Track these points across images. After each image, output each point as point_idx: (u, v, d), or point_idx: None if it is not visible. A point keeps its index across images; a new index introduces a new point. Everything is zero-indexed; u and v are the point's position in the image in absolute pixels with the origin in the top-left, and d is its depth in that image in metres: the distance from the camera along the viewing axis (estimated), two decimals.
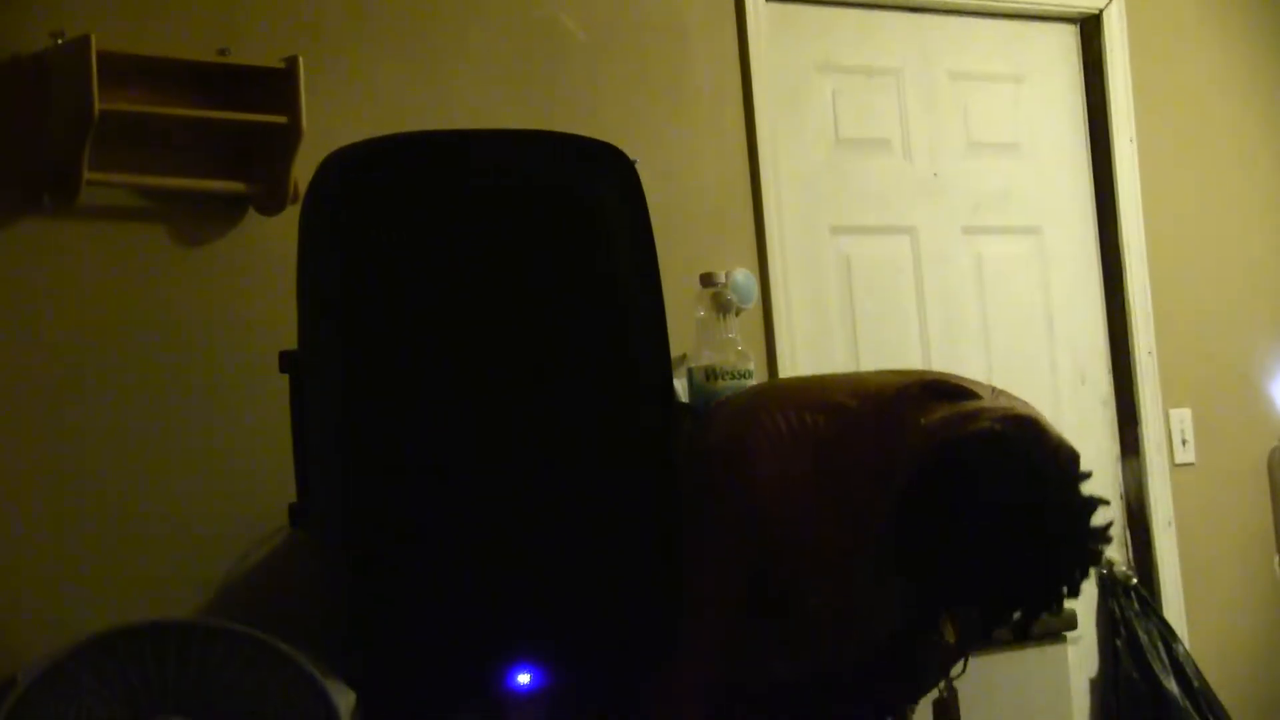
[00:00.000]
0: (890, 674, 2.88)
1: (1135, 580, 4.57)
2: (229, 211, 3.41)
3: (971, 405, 2.58)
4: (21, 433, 3.19)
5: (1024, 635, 2.52)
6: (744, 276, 3.87)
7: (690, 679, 2.71)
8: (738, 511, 2.68)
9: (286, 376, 2.85)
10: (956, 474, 2.46)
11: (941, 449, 2.48)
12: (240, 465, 3.32)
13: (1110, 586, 4.56)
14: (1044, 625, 3.73)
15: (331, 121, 3.40)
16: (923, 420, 2.54)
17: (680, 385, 3.49)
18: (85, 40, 3.12)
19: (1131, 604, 4.53)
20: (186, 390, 3.32)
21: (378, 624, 2.57)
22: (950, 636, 2.77)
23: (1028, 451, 2.48)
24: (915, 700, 2.94)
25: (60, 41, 3.19)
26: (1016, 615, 2.48)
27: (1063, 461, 2.49)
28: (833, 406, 2.69)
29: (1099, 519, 2.48)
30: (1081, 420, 4.65)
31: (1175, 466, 4.73)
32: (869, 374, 2.89)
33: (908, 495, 2.48)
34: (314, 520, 2.80)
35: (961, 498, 2.44)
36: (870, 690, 2.90)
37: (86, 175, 3.16)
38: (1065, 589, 2.46)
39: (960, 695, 3.60)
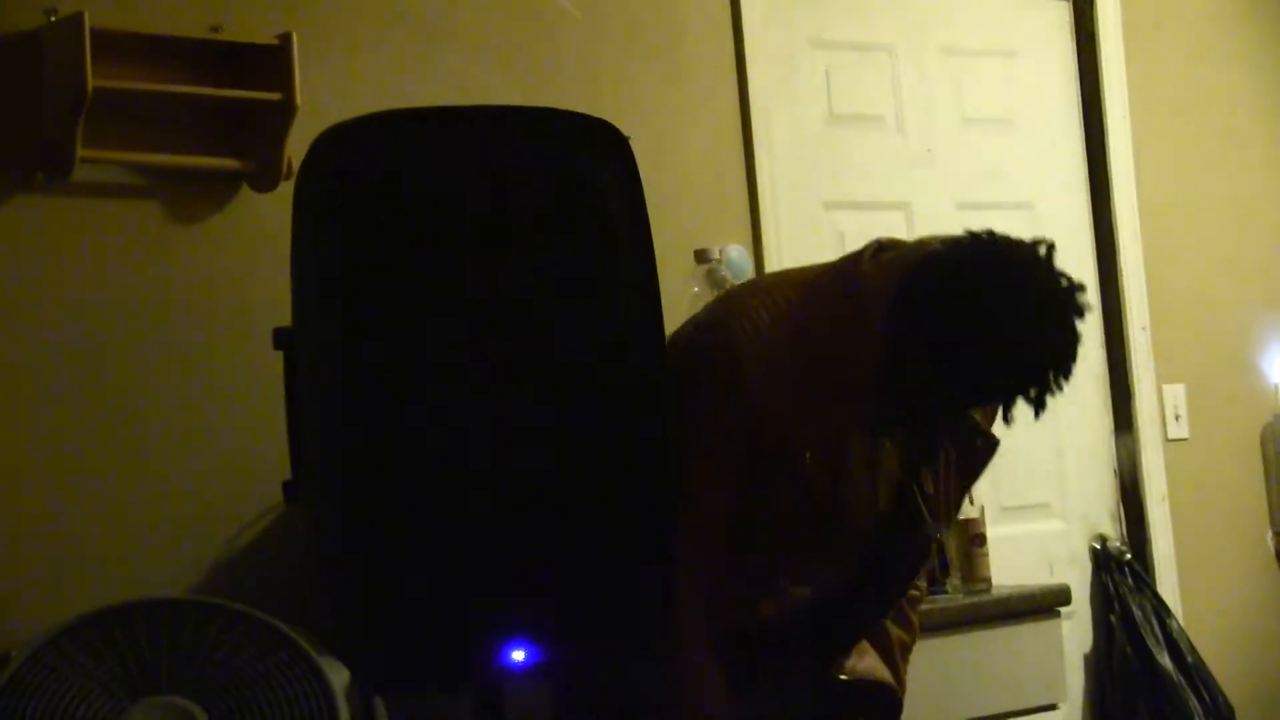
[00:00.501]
0: (874, 585, 2.90)
1: (1129, 555, 4.58)
2: (222, 188, 3.40)
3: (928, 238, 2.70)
4: (14, 410, 3.18)
5: (1040, 410, 2.59)
6: (738, 252, 3.87)
7: (686, 592, 2.72)
8: (731, 410, 2.73)
9: (281, 353, 2.85)
10: (943, 274, 2.57)
11: (921, 261, 2.59)
12: (235, 442, 3.32)
13: (1104, 562, 4.57)
14: (1035, 600, 3.81)
15: (325, 98, 3.39)
16: (885, 257, 2.67)
17: None
18: (78, 18, 3.11)
19: (1125, 579, 4.54)
20: (180, 367, 3.31)
21: (372, 602, 2.57)
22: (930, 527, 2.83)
23: (1004, 244, 2.59)
24: (886, 614, 2.96)
25: (53, 19, 3.18)
26: (1031, 395, 2.56)
27: (1039, 247, 2.59)
28: (802, 282, 2.81)
29: (1082, 296, 2.58)
30: (1075, 395, 4.64)
31: (1169, 442, 4.74)
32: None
33: (897, 311, 2.57)
34: (308, 497, 2.80)
35: (951, 293, 2.54)
36: (853, 609, 2.91)
37: (80, 152, 3.15)
38: (1067, 364, 2.55)
39: (955, 671, 3.63)
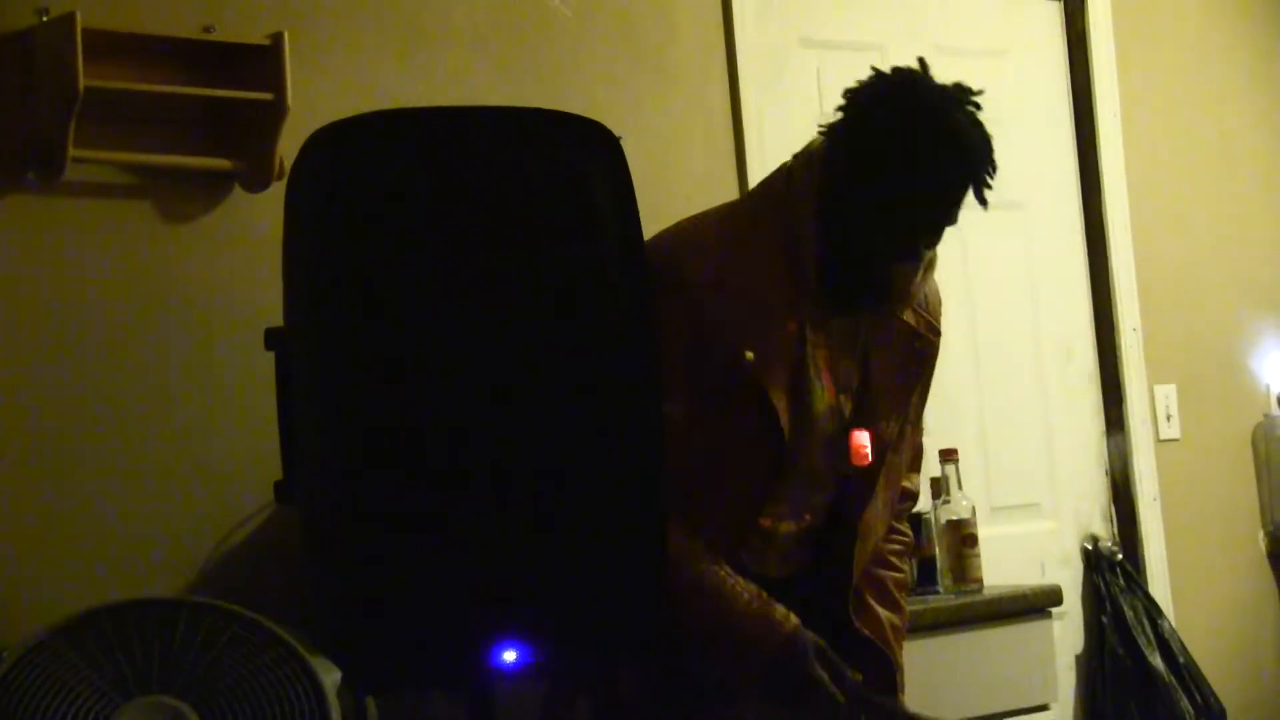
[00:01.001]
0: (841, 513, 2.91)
1: (1120, 556, 4.58)
2: (214, 188, 3.40)
3: None
4: (3, 409, 3.18)
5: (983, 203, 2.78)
6: None
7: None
8: (675, 312, 2.78)
9: (272, 353, 2.84)
10: (856, 117, 2.76)
11: (833, 124, 2.78)
12: (227, 442, 3.32)
13: (1096, 562, 4.58)
14: (1026, 601, 3.81)
15: (317, 98, 3.39)
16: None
17: None
18: (70, 17, 3.11)
19: (1117, 579, 4.54)
20: (172, 367, 3.31)
21: (364, 601, 2.57)
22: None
23: (896, 75, 2.79)
24: (862, 548, 2.95)
25: (45, 19, 3.18)
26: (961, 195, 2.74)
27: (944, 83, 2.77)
28: (734, 202, 3.09)
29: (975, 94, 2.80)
30: (1066, 396, 4.66)
31: (1160, 442, 4.75)
32: None
33: (823, 168, 2.76)
34: (300, 497, 2.79)
35: (865, 130, 2.73)
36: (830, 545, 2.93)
37: (71, 152, 3.15)
38: (987, 150, 2.78)
39: (947, 671, 3.63)
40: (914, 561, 3.78)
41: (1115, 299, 4.71)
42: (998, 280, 4.57)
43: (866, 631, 2.91)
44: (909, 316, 2.94)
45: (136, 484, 3.27)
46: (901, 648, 3.00)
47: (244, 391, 3.24)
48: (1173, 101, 4.90)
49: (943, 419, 4.39)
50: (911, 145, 2.71)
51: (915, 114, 2.72)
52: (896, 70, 2.79)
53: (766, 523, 2.85)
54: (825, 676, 2.74)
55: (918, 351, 2.95)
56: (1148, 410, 4.74)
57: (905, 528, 3.09)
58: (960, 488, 3.87)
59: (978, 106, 2.78)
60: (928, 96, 2.75)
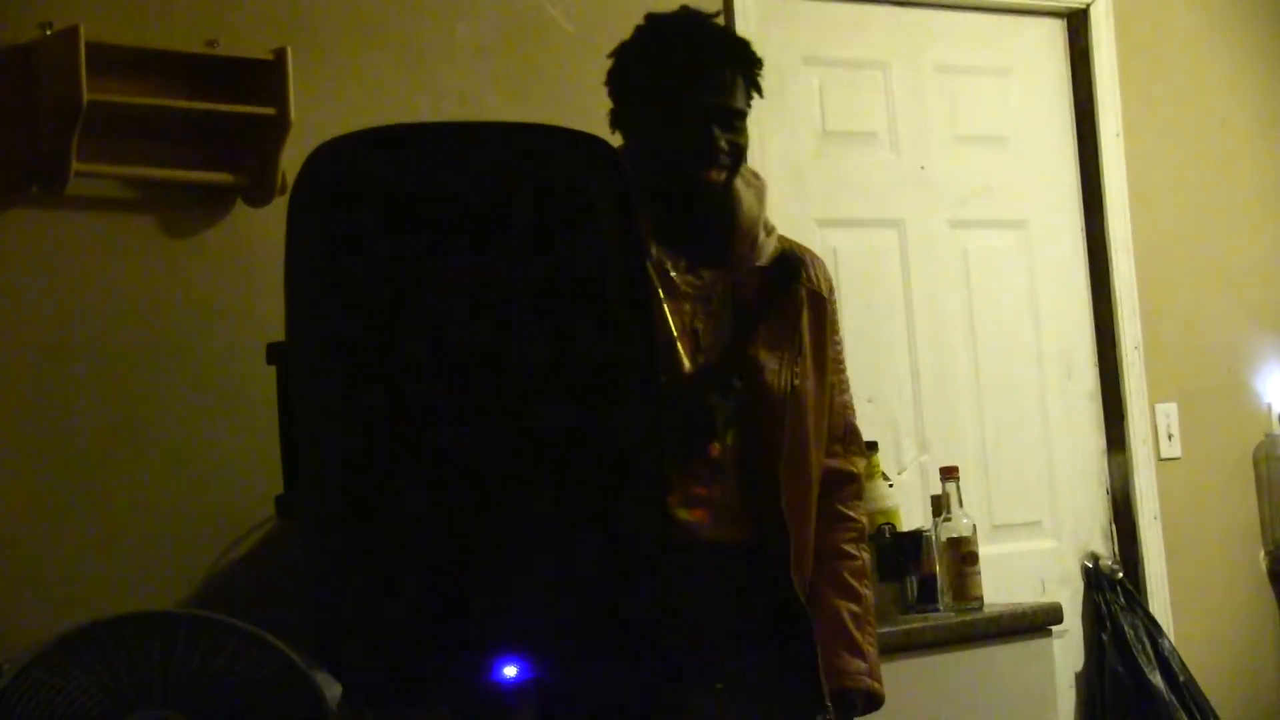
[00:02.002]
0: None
1: (1121, 574, 4.58)
2: (217, 202, 3.41)
3: None
4: (7, 423, 3.19)
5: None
6: None
7: None
8: None
9: (274, 368, 2.84)
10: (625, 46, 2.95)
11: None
12: (228, 455, 3.32)
13: (1096, 580, 4.57)
14: (1026, 619, 3.80)
15: (319, 113, 3.40)
16: None
17: None
18: (74, 31, 3.12)
19: (1117, 598, 4.54)
20: (174, 381, 3.31)
21: (364, 615, 2.57)
22: None
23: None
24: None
25: (48, 32, 3.19)
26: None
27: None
28: None
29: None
30: (1068, 414, 4.66)
31: (1161, 461, 4.74)
32: None
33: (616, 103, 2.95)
34: (301, 512, 2.79)
35: (637, 46, 2.93)
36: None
37: (75, 166, 3.16)
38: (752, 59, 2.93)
39: (947, 689, 3.62)
40: (914, 580, 3.78)
41: (1117, 317, 4.71)
42: (999, 298, 4.58)
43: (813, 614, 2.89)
44: (764, 263, 2.94)
45: (137, 497, 3.27)
46: (867, 634, 2.96)
47: (245, 405, 3.24)
48: (1175, 120, 4.90)
49: (943, 436, 4.40)
50: (671, 41, 2.89)
51: (670, 26, 2.92)
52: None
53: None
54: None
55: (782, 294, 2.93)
56: (1149, 428, 4.73)
57: (854, 513, 3.04)
58: (961, 505, 3.86)
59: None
60: (679, 16, 2.94)
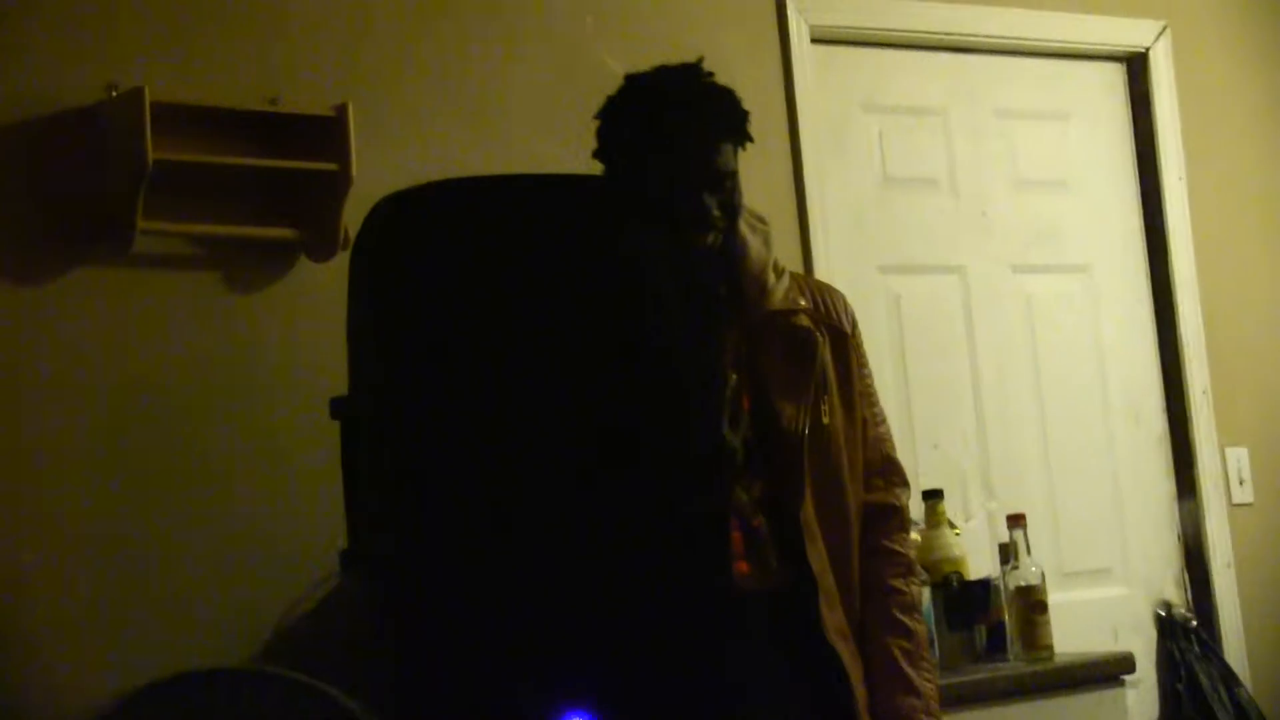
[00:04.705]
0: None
1: (1195, 623, 4.52)
2: (280, 258, 3.43)
3: None
4: (75, 480, 3.21)
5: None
6: None
7: None
8: None
9: (338, 422, 2.85)
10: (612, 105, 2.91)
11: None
12: (292, 511, 3.32)
13: (1169, 629, 4.52)
14: (1098, 668, 3.76)
15: (381, 167, 3.41)
16: None
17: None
18: (138, 92, 3.15)
19: (1191, 646, 4.48)
20: (239, 437, 3.33)
21: (431, 670, 2.57)
22: None
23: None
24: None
25: (114, 93, 3.23)
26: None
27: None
28: None
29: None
30: (1136, 459, 4.62)
31: (1233, 506, 4.69)
32: None
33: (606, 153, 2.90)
34: (364, 567, 2.79)
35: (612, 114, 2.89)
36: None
37: (140, 224, 3.19)
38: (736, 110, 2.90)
39: None
40: (983, 629, 3.75)
41: (1184, 361, 4.67)
42: (1065, 344, 4.55)
43: (839, 646, 2.87)
44: (776, 306, 2.94)
45: (202, 551, 3.28)
46: (922, 670, 2.94)
47: (310, 460, 3.24)
48: (1237, 160, 4.87)
49: (1010, 483, 4.37)
50: (651, 108, 2.85)
51: (649, 91, 2.88)
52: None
53: None
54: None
55: (798, 339, 2.93)
56: (1219, 473, 4.68)
57: (899, 547, 3.00)
58: (1029, 553, 3.83)
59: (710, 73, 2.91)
60: (657, 80, 2.90)
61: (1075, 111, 4.67)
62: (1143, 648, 4.46)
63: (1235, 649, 4.59)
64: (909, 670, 2.92)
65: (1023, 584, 3.79)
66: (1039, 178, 4.57)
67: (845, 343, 3.00)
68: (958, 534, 3.84)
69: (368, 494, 2.75)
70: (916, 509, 3.52)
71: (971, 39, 4.47)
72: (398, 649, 2.60)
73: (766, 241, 2.98)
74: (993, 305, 4.44)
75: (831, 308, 3.02)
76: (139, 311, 3.28)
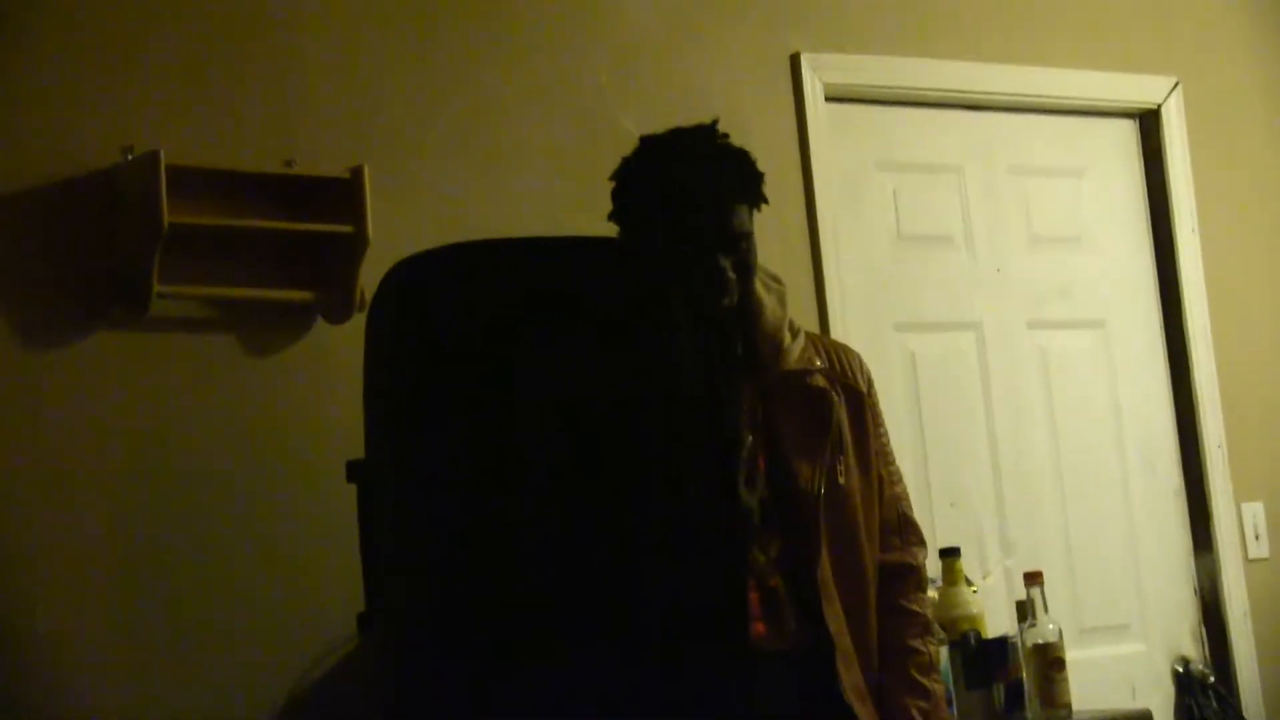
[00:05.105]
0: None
1: (1212, 678, 4.50)
2: (297, 320, 3.43)
3: None
4: (93, 542, 3.21)
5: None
6: None
7: None
8: None
9: (354, 485, 2.86)
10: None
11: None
12: (309, 573, 3.32)
13: (1187, 684, 4.50)
14: None
15: (397, 228, 3.42)
16: None
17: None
18: (155, 155, 3.16)
19: (1209, 701, 4.46)
20: (255, 499, 3.33)
21: None
22: None
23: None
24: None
25: (130, 156, 3.24)
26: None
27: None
28: None
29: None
30: (1152, 515, 4.61)
31: (1249, 561, 4.67)
32: None
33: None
34: (381, 629, 2.79)
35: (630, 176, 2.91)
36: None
37: (156, 287, 3.19)
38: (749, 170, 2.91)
39: None
40: (1001, 687, 3.73)
41: (1199, 415, 4.66)
42: (1079, 398, 4.54)
43: (857, 707, 2.85)
44: (791, 366, 2.95)
45: (218, 615, 3.28)
46: None
47: (327, 522, 3.24)
48: (1250, 214, 4.87)
49: (1027, 539, 4.36)
50: (665, 172, 2.87)
51: (663, 154, 2.90)
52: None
53: None
54: None
55: (814, 399, 2.94)
56: (1235, 528, 4.67)
57: (916, 606, 3.02)
58: (1046, 610, 3.81)
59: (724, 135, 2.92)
60: (671, 142, 2.91)
61: (1089, 167, 4.67)
62: (1161, 704, 4.44)
63: (1253, 703, 4.57)
64: None
65: (1040, 641, 3.77)
66: (1053, 234, 4.57)
67: (861, 402, 3.01)
68: (975, 591, 3.83)
69: (384, 556, 2.75)
70: (933, 566, 3.51)
71: (985, 96, 4.48)
72: (415, 711, 2.60)
73: (782, 301, 2.99)
74: (1008, 361, 4.44)
75: (847, 366, 3.03)
76: (156, 374, 3.29)
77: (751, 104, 4.06)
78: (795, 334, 2.99)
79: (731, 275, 2.84)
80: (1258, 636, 4.61)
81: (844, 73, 4.23)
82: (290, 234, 3.38)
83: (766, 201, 2.92)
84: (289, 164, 3.42)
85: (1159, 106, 4.73)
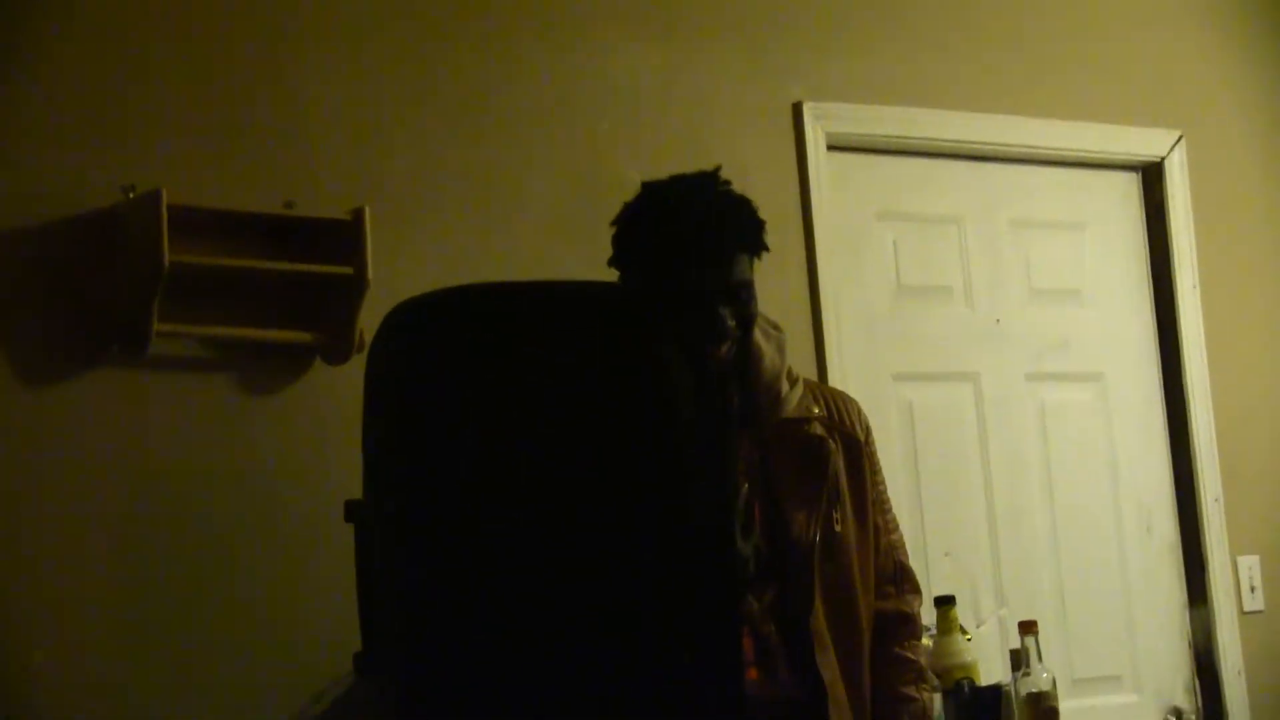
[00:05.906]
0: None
1: None
2: (296, 361, 3.44)
3: None
4: (88, 579, 3.21)
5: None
6: None
7: None
8: None
9: (352, 525, 2.85)
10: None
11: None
12: (306, 613, 3.32)
13: None
14: None
15: (397, 271, 3.43)
16: None
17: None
18: (156, 195, 3.17)
19: None
20: (253, 539, 3.33)
21: None
22: None
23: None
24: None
25: (131, 195, 3.25)
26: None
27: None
28: None
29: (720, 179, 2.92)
30: (1148, 567, 4.61)
31: (1244, 615, 4.67)
32: None
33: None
34: (380, 669, 2.78)
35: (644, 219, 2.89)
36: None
37: (156, 326, 3.20)
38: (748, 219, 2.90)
39: None
40: None
41: (1196, 469, 4.67)
42: (1077, 452, 4.55)
43: None
44: (789, 414, 2.96)
45: (214, 654, 3.27)
46: None
47: (324, 562, 3.24)
48: (1251, 269, 4.88)
49: (1022, 589, 4.36)
50: (666, 221, 2.86)
51: (664, 202, 2.89)
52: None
53: None
54: None
55: (811, 447, 2.95)
56: (1231, 582, 4.67)
57: (912, 654, 3.05)
58: (1040, 660, 3.79)
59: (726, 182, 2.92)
60: (673, 191, 2.90)
61: (1090, 220, 4.68)
62: None
63: None
64: None
65: (1034, 690, 3.75)
66: (1053, 286, 4.58)
67: (859, 450, 3.01)
68: (969, 640, 3.82)
69: (381, 598, 2.74)
70: (928, 614, 3.51)
71: (987, 148, 4.49)
72: None
73: (780, 349, 2.99)
74: (1006, 413, 4.44)
75: (845, 415, 3.03)
76: (155, 413, 3.29)
77: (753, 153, 4.07)
78: (794, 382, 2.99)
79: (731, 323, 2.84)
80: (1251, 689, 4.61)
81: (846, 122, 4.24)
82: (290, 275, 3.39)
83: (768, 250, 2.92)
84: (290, 205, 3.43)
85: (1162, 160, 4.74)
